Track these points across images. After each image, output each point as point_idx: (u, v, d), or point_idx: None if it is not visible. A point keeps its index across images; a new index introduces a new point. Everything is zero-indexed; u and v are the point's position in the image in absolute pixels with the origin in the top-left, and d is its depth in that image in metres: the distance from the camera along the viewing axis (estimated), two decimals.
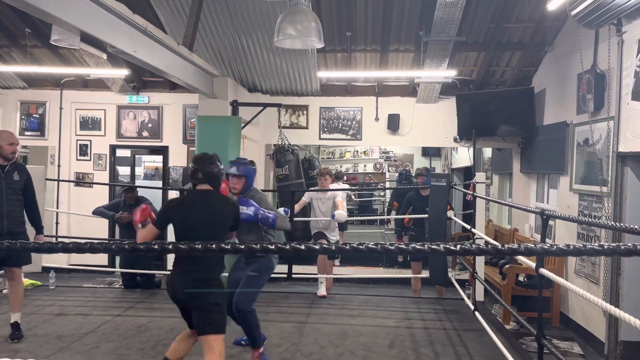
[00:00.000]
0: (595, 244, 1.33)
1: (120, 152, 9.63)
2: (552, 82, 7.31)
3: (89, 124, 9.27)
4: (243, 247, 1.41)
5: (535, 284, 6.09)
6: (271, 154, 7.76)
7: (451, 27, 6.57)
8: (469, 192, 6.31)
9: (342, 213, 6.34)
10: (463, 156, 10.63)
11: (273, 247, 1.41)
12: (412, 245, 1.39)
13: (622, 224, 2.40)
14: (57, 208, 8.81)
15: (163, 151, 9.33)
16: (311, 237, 6.96)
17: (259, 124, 8.47)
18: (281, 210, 6.24)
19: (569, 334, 6.26)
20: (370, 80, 8.64)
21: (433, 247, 1.38)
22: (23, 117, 9.31)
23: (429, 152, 13.98)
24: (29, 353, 4.29)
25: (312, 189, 6.89)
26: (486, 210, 9.41)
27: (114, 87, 9.00)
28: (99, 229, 8.52)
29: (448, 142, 8.84)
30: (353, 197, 13.46)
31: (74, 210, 8.71)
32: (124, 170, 10.20)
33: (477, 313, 5.15)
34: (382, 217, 12.94)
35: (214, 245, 1.43)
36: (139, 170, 11.00)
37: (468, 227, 5.80)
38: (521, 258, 4.13)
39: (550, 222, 7.08)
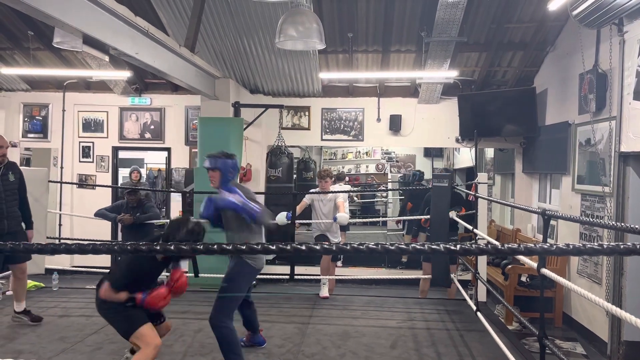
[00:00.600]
0: (595, 244, 1.33)
1: (122, 154, 9.66)
2: (554, 82, 7.30)
3: (92, 125, 9.30)
4: (244, 247, 1.42)
5: (538, 284, 6.08)
6: (266, 154, 7.77)
7: (452, 28, 6.58)
8: (471, 192, 6.31)
9: (344, 215, 6.34)
10: (465, 157, 10.62)
11: (274, 247, 1.42)
12: (412, 245, 1.40)
13: (624, 224, 2.41)
14: (60, 210, 8.84)
15: (165, 153, 9.35)
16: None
17: (261, 125, 8.48)
18: (284, 214, 6.25)
19: (571, 334, 6.25)
20: (372, 81, 8.65)
21: (433, 247, 1.38)
22: (26, 119, 9.35)
23: (431, 153, 13.96)
24: (32, 354, 4.30)
25: (312, 190, 6.88)
26: (489, 210, 9.40)
27: (116, 89, 9.03)
28: (102, 230, 8.54)
29: (450, 142, 8.85)
30: (355, 198, 13.45)
31: (77, 212, 8.73)
32: (125, 173, 10.22)
33: (479, 313, 5.14)
34: (384, 218, 12.93)
35: (215, 246, 1.44)
36: (142, 172, 11.03)
37: (470, 227, 5.80)
38: (523, 258, 4.12)
39: (553, 223, 7.08)
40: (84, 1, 3.98)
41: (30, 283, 6.44)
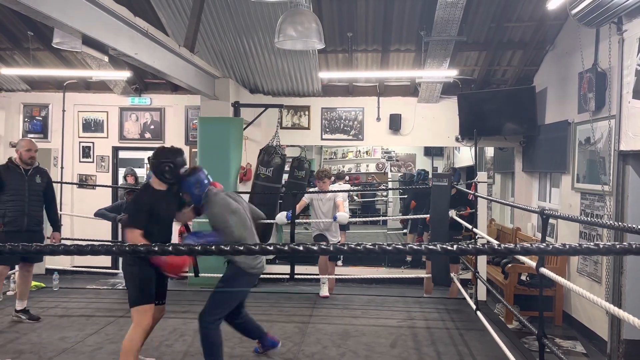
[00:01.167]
0: (591, 244, 1.34)
1: (123, 154, 9.67)
2: (554, 81, 7.30)
3: (92, 126, 9.31)
4: (242, 248, 1.43)
5: (537, 283, 6.08)
6: (260, 151, 7.72)
7: (452, 27, 6.58)
8: (470, 192, 6.32)
9: (343, 215, 6.34)
10: (465, 156, 10.62)
11: (271, 248, 1.43)
12: (409, 245, 1.40)
13: (623, 223, 2.41)
14: (60, 210, 8.82)
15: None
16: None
17: (261, 124, 8.49)
18: (284, 214, 6.25)
19: (571, 333, 6.26)
20: (372, 80, 8.65)
21: (430, 247, 1.39)
22: (26, 119, 9.36)
23: (431, 152, 13.97)
24: (32, 354, 4.32)
25: (310, 190, 6.88)
26: (489, 209, 9.40)
27: (116, 89, 9.04)
28: (102, 230, 8.55)
29: (450, 141, 8.85)
30: (356, 197, 13.46)
31: (77, 212, 8.74)
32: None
33: (479, 312, 5.15)
34: (385, 217, 12.93)
35: (213, 247, 1.44)
36: (142, 172, 11.03)
37: (470, 226, 5.80)
38: (522, 257, 4.13)
39: (553, 222, 7.08)
40: (83, 1, 3.98)
41: (32, 283, 6.46)
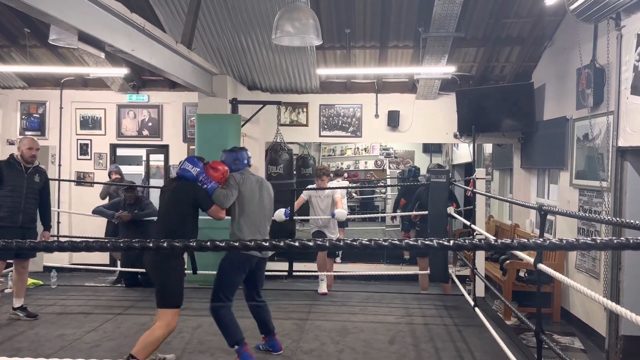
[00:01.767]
0: (588, 239, 1.33)
1: (120, 151, 9.65)
2: (552, 77, 7.29)
3: (89, 123, 9.28)
4: (237, 244, 1.42)
5: (536, 279, 6.09)
6: (266, 151, 7.76)
7: (450, 23, 6.56)
8: (468, 188, 6.31)
9: (342, 212, 6.34)
10: (464, 152, 10.62)
11: (267, 243, 1.42)
12: (406, 241, 1.39)
13: (621, 219, 2.41)
14: (58, 207, 8.83)
15: (163, 150, 9.34)
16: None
17: (259, 121, 8.47)
18: (282, 211, 6.25)
19: (570, 329, 6.26)
20: (370, 77, 8.64)
21: (427, 242, 1.38)
22: (23, 117, 9.33)
23: (430, 149, 13.96)
24: (30, 352, 4.31)
25: (309, 187, 6.87)
26: (487, 206, 9.40)
27: (114, 86, 9.01)
28: (100, 228, 8.53)
29: (448, 138, 8.84)
30: (354, 194, 13.45)
31: (75, 210, 8.73)
32: (125, 169, 10.19)
33: (477, 309, 5.15)
34: (383, 214, 12.94)
35: (208, 243, 1.44)
36: (140, 169, 11.00)
37: (468, 223, 5.80)
38: (520, 253, 4.13)
39: (551, 218, 7.08)
40: None
41: (29, 281, 6.44)
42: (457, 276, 6.54)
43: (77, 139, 9.30)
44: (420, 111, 8.66)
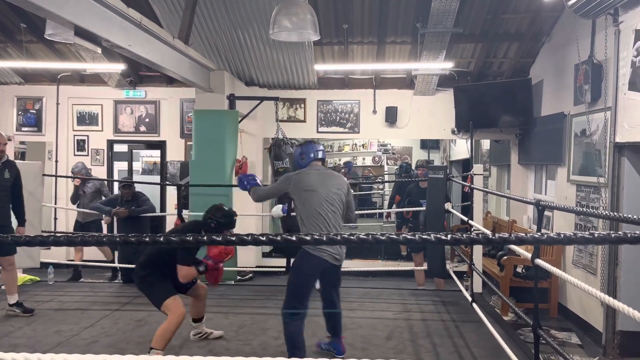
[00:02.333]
0: (586, 233, 1.32)
1: (117, 147, 9.61)
2: (550, 73, 7.29)
3: (86, 119, 9.25)
4: (234, 238, 1.41)
5: (533, 275, 6.10)
6: (269, 148, 7.72)
7: (448, 19, 6.55)
8: (466, 184, 6.31)
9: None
10: (461, 148, 10.62)
11: (264, 238, 1.41)
12: (404, 235, 1.39)
13: (618, 214, 2.40)
14: (55, 204, 8.81)
15: (160, 146, 9.31)
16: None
17: (256, 117, 8.45)
18: (279, 207, 6.24)
19: (567, 325, 6.28)
20: (368, 72, 8.62)
21: (424, 237, 1.37)
22: (20, 112, 9.30)
23: (428, 145, 13.97)
24: (28, 348, 4.30)
25: None
26: (484, 202, 9.40)
27: (111, 81, 8.98)
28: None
29: (446, 134, 8.84)
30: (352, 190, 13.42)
31: (72, 206, 8.69)
32: (122, 165, 10.17)
33: (474, 305, 5.16)
34: (381, 210, 12.93)
35: (204, 238, 1.43)
36: (137, 165, 10.97)
37: (466, 219, 5.80)
38: (518, 249, 4.13)
39: (549, 214, 7.09)
40: None
41: (26, 277, 6.44)
42: (455, 272, 6.54)
43: (74, 135, 9.27)
44: (418, 107, 8.65)
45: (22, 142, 9.53)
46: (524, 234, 1.36)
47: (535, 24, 7.24)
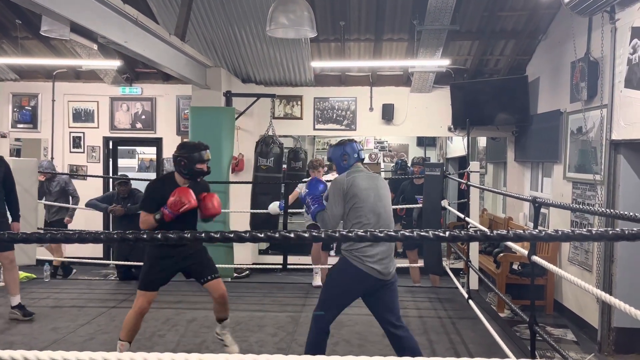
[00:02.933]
0: (584, 230, 1.33)
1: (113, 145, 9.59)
2: (546, 70, 7.30)
3: (82, 115, 9.22)
4: (232, 235, 1.41)
5: (529, 272, 6.12)
6: (256, 142, 7.70)
7: (445, 16, 6.54)
8: (463, 181, 6.32)
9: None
10: (458, 146, 10.63)
11: (262, 235, 1.41)
12: (401, 232, 1.39)
13: (614, 211, 2.41)
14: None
15: (157, 143, 9.29)
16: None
17: (253, 114, 8.44)
18: (277, 204, 6.23)
19: (562, 321, 6.31)
20: (364, 70, 8.61)
21: (422, 233, 1.37)
22: (15, 109, 9.25)
23: (424, 142, 13.98)
24: (24, 345, 4.29)
25: (305, 180, 6.86)
26: (481, 199, 9.43)
27: (107, 78, 8.94)
28: (94, 221, 8.50)
29: (442, 131, 8.84)
30: None
31: (64, 203, 8.66)
32: (122, 162, 10.13)
33: (471, 301, 5.17)
34: None
35: (202, 234, 1.42)
36: (134, 162, 10.95)
37: (462, 216, 5.81)
38: (514, 246, 4.14)
39: (545, 211, 7.11)
40: None
41: (22, 274, 6.40)
42: (451, 269, 6.56)
43: (70, 132, 9.23)
44: (414, 104, 8.66)
45: (17, 139, 9.48)
46: (522, 231, 1.36)
47: (532, 22, 7.25)
